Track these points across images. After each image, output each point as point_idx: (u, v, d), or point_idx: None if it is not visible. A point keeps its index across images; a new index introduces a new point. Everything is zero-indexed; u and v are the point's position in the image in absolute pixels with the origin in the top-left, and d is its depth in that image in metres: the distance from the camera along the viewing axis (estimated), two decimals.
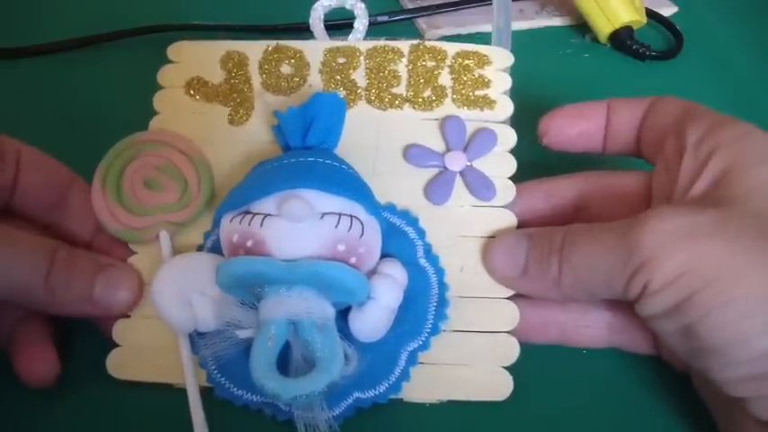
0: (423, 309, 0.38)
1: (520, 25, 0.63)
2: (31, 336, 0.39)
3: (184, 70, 0.44)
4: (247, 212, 0.37)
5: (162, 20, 0.60)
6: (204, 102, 0.43)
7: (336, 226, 0.36)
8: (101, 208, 0.40)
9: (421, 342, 0.38)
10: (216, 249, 0.39)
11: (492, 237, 0.40)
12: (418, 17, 0.64)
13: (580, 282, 0.36)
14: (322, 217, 0.36)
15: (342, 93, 0.43)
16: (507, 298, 0.39)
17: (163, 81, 0.44)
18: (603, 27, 0.62)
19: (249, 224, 0.36)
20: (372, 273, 0.37)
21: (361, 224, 0.37)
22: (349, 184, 0.38)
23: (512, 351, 0.38)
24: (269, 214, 0.36)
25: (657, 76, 0.61)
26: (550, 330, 0.39)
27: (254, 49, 0.44)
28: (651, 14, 0.65)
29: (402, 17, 0.63)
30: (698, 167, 0.36)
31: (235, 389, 0.37)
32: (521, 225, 0.41)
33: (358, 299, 0.36)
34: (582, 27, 0.64)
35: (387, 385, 0.37)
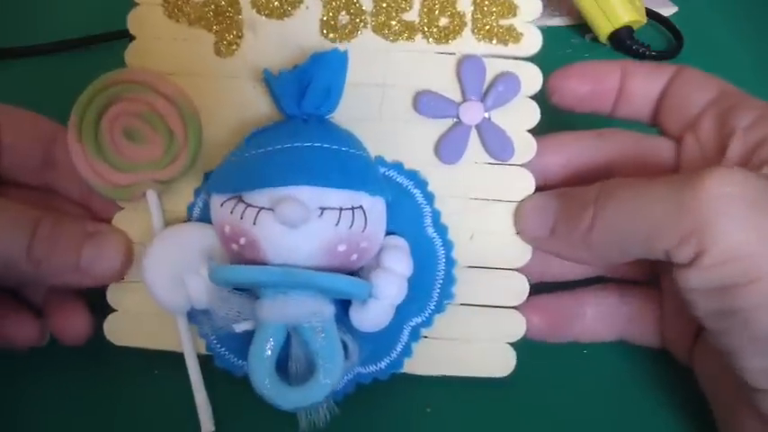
0: (428, 285, 0.37)
1: None
2: (65, 295, 0.38)
3: None
4: (240, 200, 0.34)
5: None
6: (186, 26, 0.37)
7: (337, 224, 0.33)
8: (81, 163, 0.36)
9: (424, 318, 0.37)
10: (207, 213, 0.36)
11: (507, 200, 0.37)
12: None
13: (614, 235, 0.34)
14: (321, 213, 0.33)
15: (344, 18, 0.37)
16: (517, 270, 0.37)
17: None
18: (603, 27, 0.61)
19: (241, 217, 0.33)
20: (377, 259, 0.35)
21: (364, 215, 0.34)
22: (350, 171, 0.34)
23: (518, 327, 0.37)
24: (263, 208, 0.33)
25: None
26: (559, 326, 0.38)
27: None
28: (651, 14, 0.64)
29: None
30: (747, 153, 0.34)
31: (235, 359, 0.36)
32: (539, 186, 0.37)
33: (359, 299, 0.35)
34: (582, 27, 0.64)
35: (388, 361, 0.37)
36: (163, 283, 0.35)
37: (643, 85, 0.39)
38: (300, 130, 0.35)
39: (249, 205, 0.33)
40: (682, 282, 0.32)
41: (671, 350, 0.38)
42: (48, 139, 0.38)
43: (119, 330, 0.37)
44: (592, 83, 0.39)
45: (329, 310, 0.34)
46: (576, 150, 0.39)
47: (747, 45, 0.63)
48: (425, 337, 0.37)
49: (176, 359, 0.37)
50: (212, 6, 0.37)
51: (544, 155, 0.38)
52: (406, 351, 0.37)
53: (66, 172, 0.37)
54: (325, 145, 0.34)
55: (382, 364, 0.37)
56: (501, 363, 0.37)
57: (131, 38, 0.37)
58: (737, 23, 0.65)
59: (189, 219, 0.37)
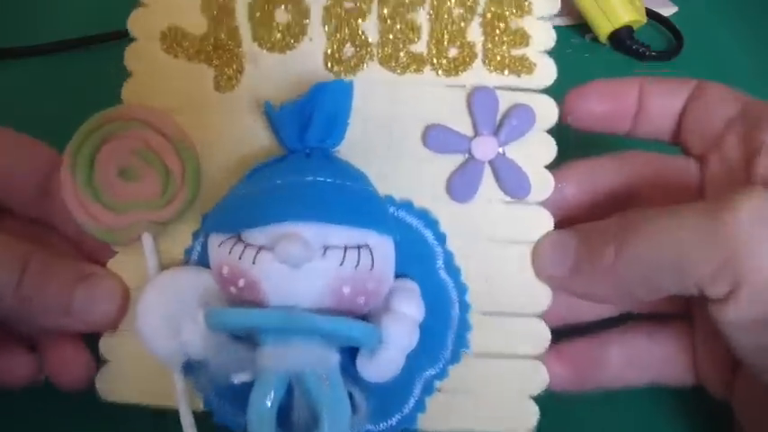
0: (441, 333, 0.34)
1: None
2: (61, 337, 0.36)
3: (158, 16, 0.36)
4: (239, 239, 0.32)
5: None
6: (185, 60, 0.36)
7: (341, 263, 0.31)
8: (73, 202, 0.34)
9: (438, 369, 0.34)
10: (206, 258, 0.34)
11: (524, 241, 0.35)
12: None
13: (640, 269, 0.32)
14: (324, 252, 0.31)
15: (350, 50, 0.35)
16: (537, 316, 0.35)
17: (134, 30, 0.36)
18: (603, 27, 0.61)
19: (240, 257, 0.31)
20: (386, 302, 0.33)
21: (371, 254, 0.32)
22: (356, 207, 0.32)
23: (539, 378, 0.35)
24: (262, 247, 0.31)
25: None
26: (584, 374, 0.35)
27: None
28: (651, 14, 0.64)
29: None
30: None
31: (234, 414, 0.34)
32: (557, 219, 0.35)
33: (366, 346, 0.32)
34: (582, 27, 0.64)
35: (400, 417, 0.34)
36: (157, 332, 0.33)
37: (663, 102, 0.37)
38: (303, 164, 0.33)
39: (248, 244, 0.31)
40: (717, 317, 0.30)
41: (706, 386, 0.36)
42: (46, 167, 0.36)
43: (112, 385, 0.35)
44: (609, 102, 0.37)
45: (334, 357, 0.32)
46: (595, 178, 0.37)
47: (747, 45, 0.63)
48: (439, 390, 0.34)
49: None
50: (212, 40, 0.36)
51: (561, 184, 0.36)
52: (419, 406, 0.34)
53: (61, 207, 0.35)
54: (329, 179, 0.32)
55: (393, 421, 0.34)
56: (522, 418, 0.35)
57: (131, 38, 0.36)
58: (737, 24, 0.65)
59: (187, 263, 0.35)
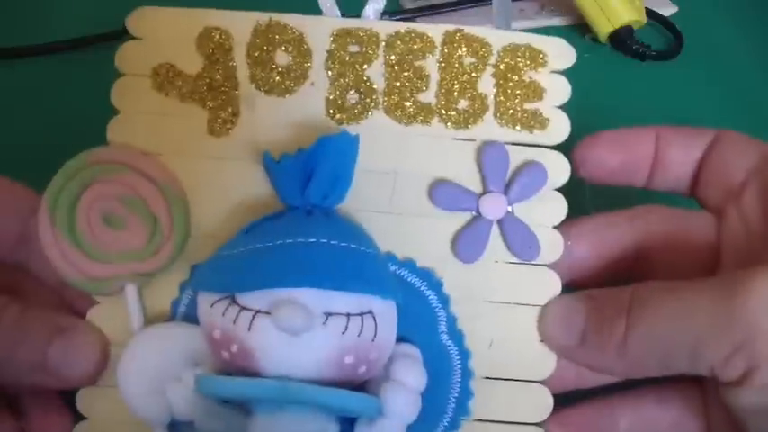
0: (441, 400, 0.33)
1: (520, 25, 0.62)
2: (42, 396, 0.34)
3: (151, 51, 0.33)
4: (233, 301, 0.29)
5: None
6: (177, 101, 0.33)
7: (344, 332, 0.29)
8: (51, 249, 0.32)
9: None
10: (194, 311, 0.32)
11: (530, 304, 0.33)
12: (417, 17, 0.63)
13: (652, 348, 0.31)
14: (326, 320, 0.29)
15: (354, 97, 0.34)
16: (539, 382, 0.33)
17: (122, 65, 0.33)
18: (603, 27, 0.61)
19: (234, 322, 0.29)
20: (386, 369, 0.31)
21: (375, 322, 0.30)
22: (360, 271, 0.30)
23: None
24: (259, 311, 0.29)
25: (657, 76, 0.60)
26: None
27: (242, 25, 0.34)
28: (651, 14, 0.64)
29: (401, 17, 0.62)
30: None
31: None
32: (566, 280, 0.34)
33: (366, 417, 0.30)
34: (582, 27, 0.63)
35: None
36: (141, 391, 0.31)
37: (680, 153, 0.35)
38: (303, 223, 0.30)
39: (244, 308, 0.29)
40: (729, 400, 0.29)
41: None
42: (27, 212, 0.34)
43: None
44: (623, 152, 0.35)
45: (333, 429, 0.30)
46: (607, 236, 0.35)
47: (747, 45, 0.63)
48: None
49: None
50: (207, 80, 0.33)
51: (571, 243, 0.34)
52: None
53: (41, 252, 0.32)
54: (332, 241, 0.30)
55: None
56: None
57: (132, 36, 0.34)
58: (737, 23, 0.65)
59: (173, 317, 0.33)
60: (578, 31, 0.63)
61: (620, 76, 0.60)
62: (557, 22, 0.65)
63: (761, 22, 0.65)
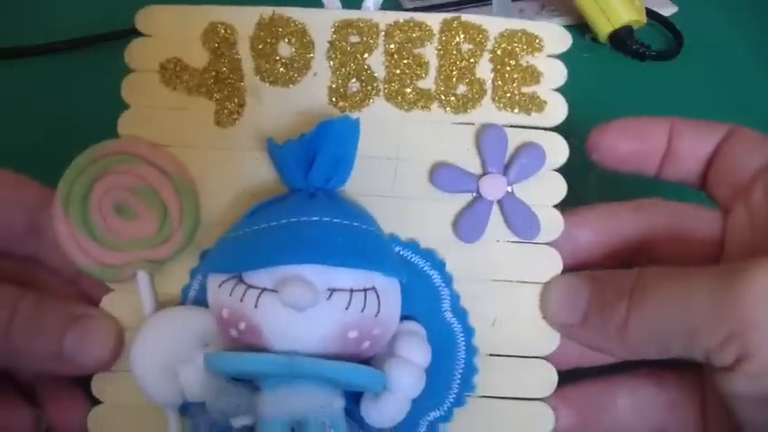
0: (446, 376, 0.33)
1: None
2: (59, 381, 0.35)
3: (158, 47, 0.35)
4: (240, 281, 0.30)
5: None
6: (185, 94, 0.35)
7: (347, 307, 0.30)
8: (66, 239, 0.33)
9: (443, 412, 0.33)
10: (204, 296, 0.33)
11: (532, 282, 0.34)
12: None
13: (651, 332, 0.31)
14: (330, 296, 0.30)
15: (355, 85, 0.35)
16: (544, 358, 0.34)
17: (132, 61, 0.35)
18: (603, 27, 0.62)
19: (241, 300, 0.30)
20: (391, 346, 0.32)
21: (378, 297, 0.31)
22: (362, 248, 0.31)
23: (545, 422, 0.34)
24: (265, 289, 0.30)
25: (657, 76, 0.61)
26: (590, 420, 0.34)
27: (245, 19, 0.35)
28: (651, 14, 0.65)
29: None
30: None
31: None
32: (568, 265, 0.34)
33: (372, 391, 0.31)
34: (582, 27, 0.64)
35: None
36: (153, 374, 0.32)
37: (693, 145, 0.36)
38: (307, 204, 0.31)
39: (250, 286, 0.30)
40: (721, 386, 0.29)
41: None
42: (35, 205, 0.35)
43: (104, 427, 0.33)
44: (636, 141, 0.36)
45: (339, 403, 0.30)
46: (610, 225, 0.36)
47: (747, 45, 0.63)
48: None
49: None
50: (213, 73, 0.35)
51: (575, 230, 0.35)
52: None
53: (53, 243, 0.34)
54: (335, 220, 0.31)
55: None
56: None
57: (137, 33, 0.35)
58: (737, 23, 0.65)
59: (183, 302, 0.34)
60: (578, 31, 0.63)
61: (620, 76, 0.61)
62: (557, 22, 0.65)
63: (760, 22, 0.66)
